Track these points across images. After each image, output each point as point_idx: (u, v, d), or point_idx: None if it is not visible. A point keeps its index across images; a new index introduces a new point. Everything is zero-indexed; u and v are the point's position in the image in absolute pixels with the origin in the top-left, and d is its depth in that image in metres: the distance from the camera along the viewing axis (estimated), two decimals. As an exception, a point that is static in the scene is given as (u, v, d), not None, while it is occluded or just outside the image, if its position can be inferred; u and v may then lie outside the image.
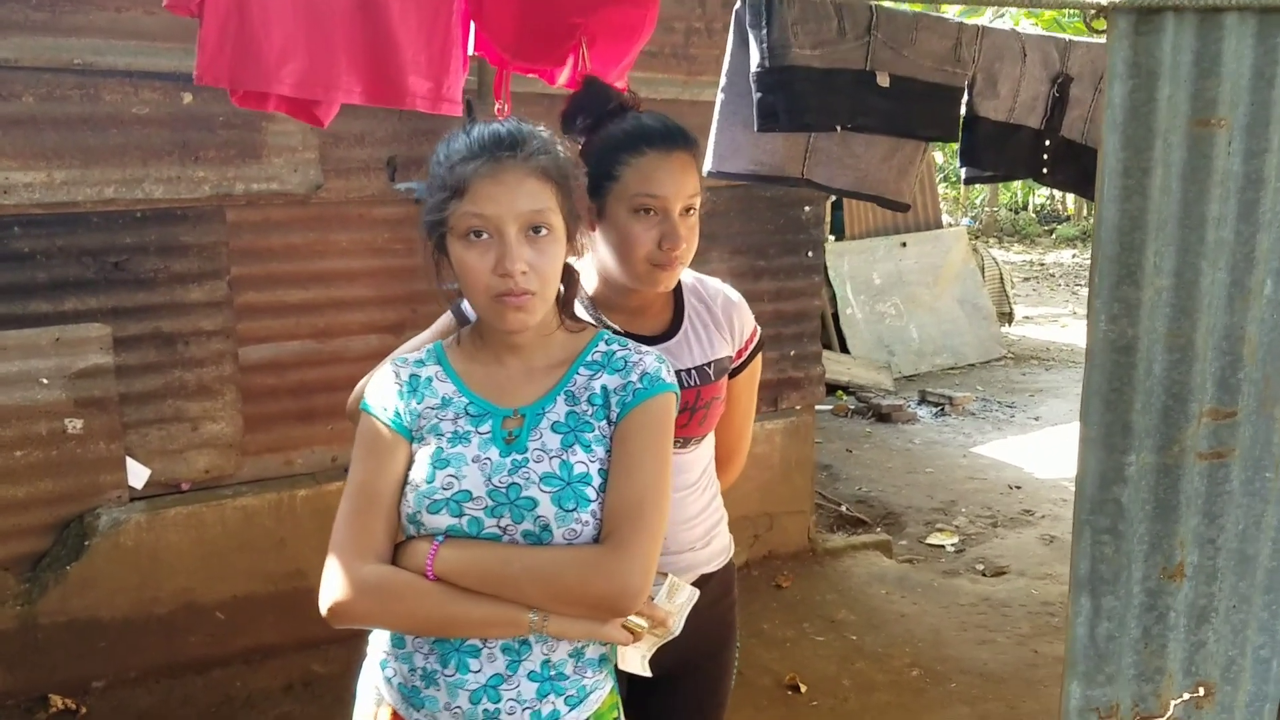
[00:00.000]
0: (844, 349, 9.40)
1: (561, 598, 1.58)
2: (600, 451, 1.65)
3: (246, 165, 3.95)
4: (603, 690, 1.71)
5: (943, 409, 8.49)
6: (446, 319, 1.98)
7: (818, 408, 7.54)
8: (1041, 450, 7.40)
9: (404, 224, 4.20)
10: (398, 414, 1.69)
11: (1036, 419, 8.37)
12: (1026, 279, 16.81)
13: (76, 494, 3.86)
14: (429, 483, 1.63)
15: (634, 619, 1.63)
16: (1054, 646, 4.42)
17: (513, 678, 1.61)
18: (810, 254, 5.25)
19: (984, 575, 5.31)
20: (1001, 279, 11.13)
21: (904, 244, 10.05)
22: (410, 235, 3.86)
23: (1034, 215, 23.09)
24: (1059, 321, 13.02)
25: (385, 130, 4.11)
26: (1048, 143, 2.74)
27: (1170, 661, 1.81)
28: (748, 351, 2.15)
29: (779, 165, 2.60)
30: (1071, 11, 1.66)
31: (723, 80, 2.51)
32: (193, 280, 3.97)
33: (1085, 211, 20.81)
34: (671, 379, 1.70)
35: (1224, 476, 1.78)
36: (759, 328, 2.19)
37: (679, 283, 2.10)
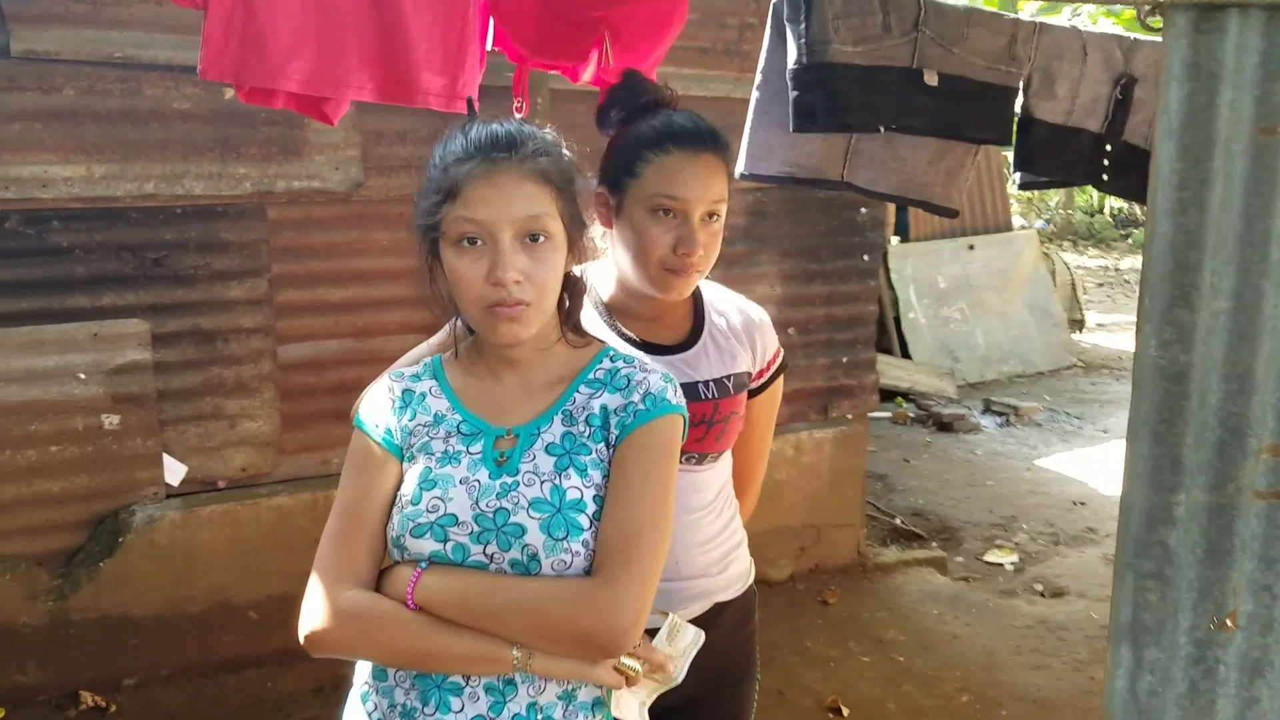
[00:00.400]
0: (905, 354, 9.17)
1: (546, 633, 1.46)
2: (597, 476, 1.53)
3: (288, 162, 3.91)
4: None
5: (1007, 419, 8.24)
6: (449, 329, 1.88)
7: (875, 415, 7.38)
8: (1108, 465, 7.12)
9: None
10: (389, 431, 1.60)
11: (1105, 431, 8.08)
12: (1100, 284, 16.34)
13: (112, 490, 3.84)
14: (414, 504, 1.53)
15: (628, 661, 1.51)
16: (1112, 675, 4.21)
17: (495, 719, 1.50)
18: (866, 257, 5.09)
19: (1042, 596, 5.11)
20: (1073, 284, 10.81)
21: (971, 246, 9.78)
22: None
23: (1110, 218, 22.47)
24: (1133, 330, 12.60)
25: (428, 128, 4.04)
26: (1109, 147, 2.57)
27: None
28: (769, 372, 2.03)
29: (817, 167, 2.46)
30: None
31: (758, 78, 2.38)
32: (233, 277, 3.93)
33: (1165, 216, 20.08)
34: (678, 400, 1.58)
35: (1285, 518, 1.61)
36: (783, 349, 2.06)
37: (700, 294, 1.98)
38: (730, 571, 2.03)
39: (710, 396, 1.90)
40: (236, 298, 3.95)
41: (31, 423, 3.70)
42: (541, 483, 1.52)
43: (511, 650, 1.46)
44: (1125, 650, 1.63)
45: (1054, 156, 2.54)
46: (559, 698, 1.53)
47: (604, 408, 1.57)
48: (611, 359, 1.64)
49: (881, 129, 2.36)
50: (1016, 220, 14.59)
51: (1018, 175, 2.67)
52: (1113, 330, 12.54)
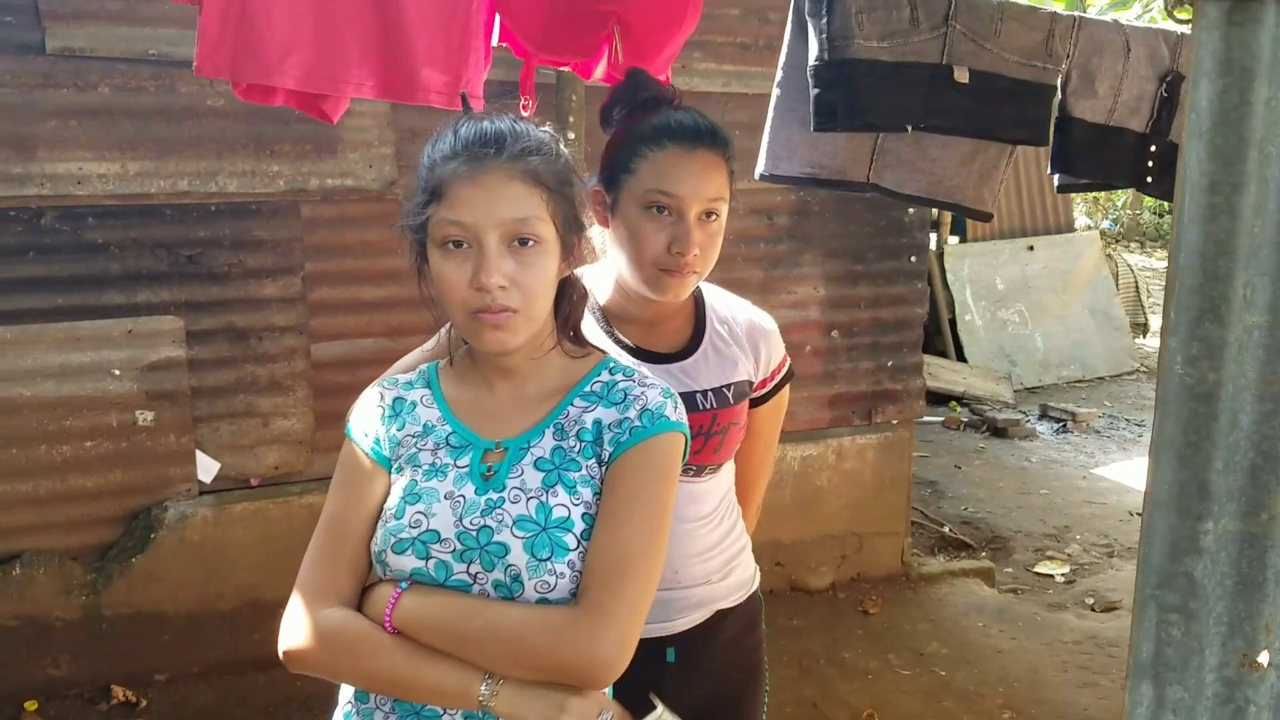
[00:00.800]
0: (960, 357, 8.97)
1: (524, 663, 1.39)
2: (587, 494, 1.45)
3: (321, 160, 3.89)
4: None
5: (1064, 425, 8.02)
6: (440, 336, 1.81)
7: (927, 419, 7.23)
8: (1169, 474, 6.89)
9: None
10: (378, 441, 1.54)
11: (1167, 439, 7.82)
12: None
13: (145, 486, 3.86)
14: (397, 518, 1.47)
15: None
16: (1162, 696, 4.05)
17: None
18: (913, 259, 4.95)
19: (1093, 610, 4.94)
20: (1136, 287, 10.50)
21: (1031, 247, 9.54)
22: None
23: (1182, 219, 21.81)
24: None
25: (462, 125, 4.00)
26: (1153, 148, 2.43)
27: (1252, 764, 1.53)
28: (774, 381, 1.95)
29: (841, 168, 2.36)
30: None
31: (778, 74, 2.29)
32: (266, 275, 3.93)
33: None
34: (679, 417, 1.49)
35: (1325, 549, 1.49)
36: (789, 358, 1.98)
37: (703, 299, 1.90)
38: (732, 579, 1.95)
39: (709, 407, 1.83)
40: (270, 295, 3.94)
41: (66, 418, 3.72)
42: (528, 499, 1.44)
43: (479, 686, 1.39)
44: (1146, 688, 1.53)
45: (1094, 158, 2.41)
46: None
47: (597, 422, 1.49)
48: (611, 371, 1.56)
49: (909, 129, 2.25)
50: (1081, 220, 14.27)
51: (1055, 178, 2.54)
52: (1180, 334, 12.18)
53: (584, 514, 1.44)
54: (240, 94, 1.94)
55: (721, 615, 1.93)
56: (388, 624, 1.42)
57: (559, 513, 1.43)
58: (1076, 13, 2.38)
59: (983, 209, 2.48)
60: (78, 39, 3.50)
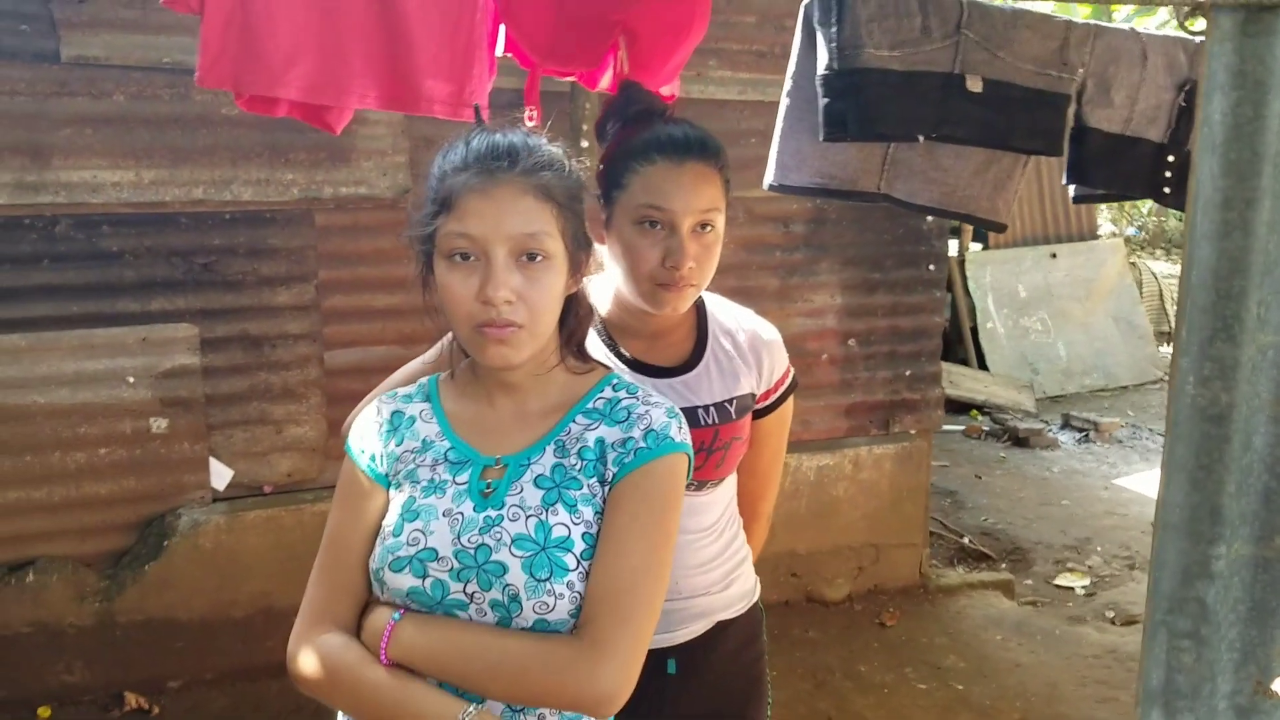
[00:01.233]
0: (982, 365, 8.90)
1: (526, 698, 1.40)
2: (588, 513, 1.43)
3: (335, 168, 3.89)
4: None
5: (1087, 435, 7.93)
6: (441, 347, 1.79)
7: (947, 428, 7.16)
8: (1193, 485, 6.80)
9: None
10: (374, 458, 1.52)
11: (1191, 449, 7.73)
12: (1195, 294, 15.74)
13: (159, 493, 3.86)
14: (395, 536, 1.45)
15: None
16: (1183, 713, 3.98)
17: None
18: (932, 267, 4.91)
19: (1113, 624, 4.87)
20: (1161, 295, 10.40)
21: (1054, 255, 9.46)
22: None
23: (1209, 226, 21.58)
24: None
25: (477, 133, 3.99)
26: (1171, 158, 2.38)
27: (1267, 794, 1.49)
28: (777, 393, 1.92)
29: (851, 178, 2.33)
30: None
31: (787, 84, 2.26)
32: (280, 283, 3.93)
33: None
34: (683, 437, 1.47)
35: (1342, 574, 1.45)
36: (793, 368, 1.95)
37: (705, 311, 1.88)
38: (732, 590, 1.94)
39: (711, 422, 1.80)
40: (284, 303, 3.94)
41: (81, 425, 3.73)
42: (527, 518, 1.42)
43: (458, 712, 1.38)
44: (1157, 715, 1.49)
45: (1110, 168, 2.36)
46: None
47: (600, 441, 1.46)
48: (614, 387, 1.53)
49: (920, 138, 2.22)
50: (1106, 227, 14.15)
51: (1071, 188, 2.50)
52: (1206, 342, 12.06)
53: (584, 533, 1.42)
54: (243, 105, 1.92)
55: (723, 626, 1.91)
56: (384, 657, 1.41)
57: (559, 532, 1.41)
58: (1092, 21, 2.34)
59: (997, 219, 2.44)
60: (92, 47, 3.51)
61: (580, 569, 1.40)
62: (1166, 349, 10.48)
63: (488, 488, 1.46)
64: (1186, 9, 1.36)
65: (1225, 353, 1.42)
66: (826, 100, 2.11)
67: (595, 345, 1.77)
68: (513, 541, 1.40)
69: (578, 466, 1.46)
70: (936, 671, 4.29)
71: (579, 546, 1.41)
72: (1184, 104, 2.38)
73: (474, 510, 1.43)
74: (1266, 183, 1.38)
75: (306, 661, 1.45)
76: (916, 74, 2.16)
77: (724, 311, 1.92)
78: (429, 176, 1.49)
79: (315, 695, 1.47)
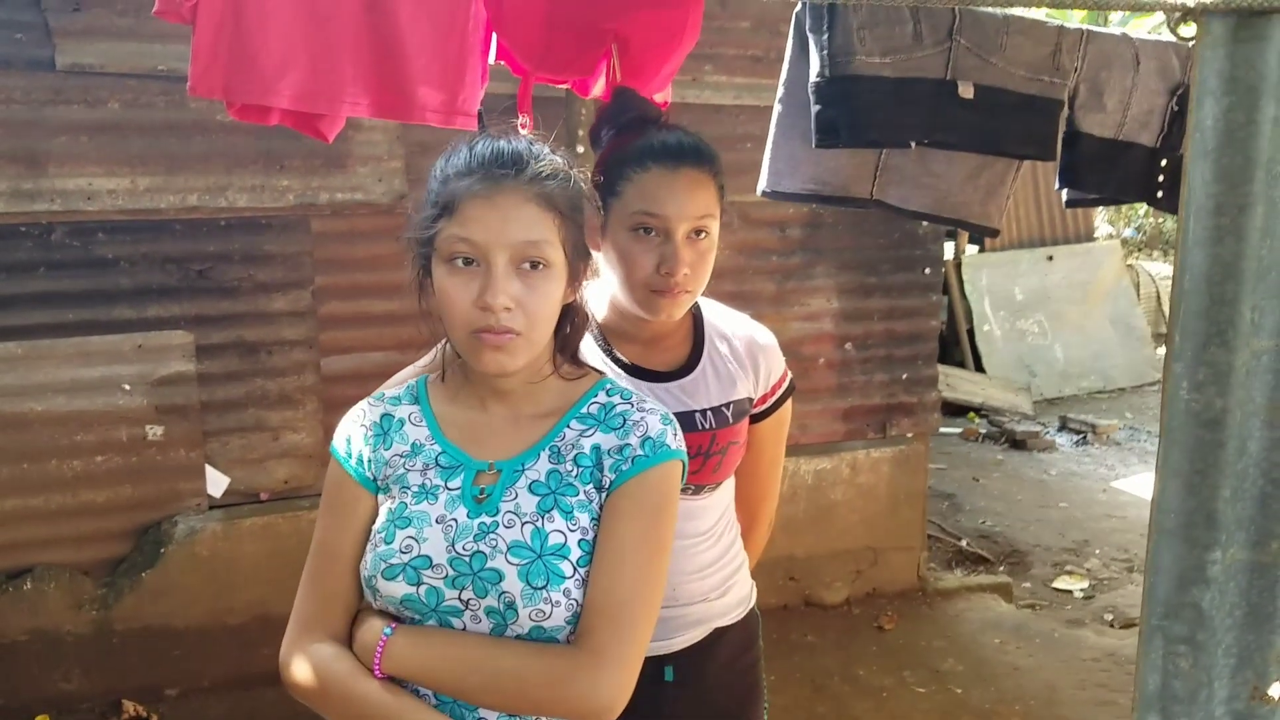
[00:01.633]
0: (979, 368, 8.90)
1: (524, 710, 1.40)
2: (584, 520, 1.42)
3: (331, 174, 3.89)
4: None
5: (1084, 437, 7.93)
6: (436, 351, 1.79)
7: (945, 431, 7.17)
8: (1191, 487, 6.80)
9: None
10: (361, 462, 1.51)
11: (1189, 451, 7.74)
12: (1193, 295, 15.75)
13: (155, 501, 3.86)
14: (387, 543, 1.44)
15: None
16: (1181, 715, 3.98)
17: None
18: (927, 271, 4.91)
19: (1112, 627, 4.87)
20: (1158, 297, 10.40)
21: (1050, 257, 9.47)
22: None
23: (1207, 227, 21.57)
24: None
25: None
26: (1163, 163, 2.38)
27: (1263, 799, 1.49)
28: (774, 397, 1.92)
29: (843, 184, 2.33)
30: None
31: (780, 90, 2.26)
32: (276, 289, 3.93)
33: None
34: (678, 444, 1.47)
35: (1338, 578, 1.45)
36: (790, 373, 1.95)
37: (701, 316, 1.88)
38: (730, 596, 1.93)
39: (708, 427, 1.80)
40: (280, 310, 3.94)
41: (77, 433, 3.73)
42: (522, 524, 1.41)
43: None
44: (1152, 721, 1.49)
45: (1103, 172, 2.36)
46: None
47: (596, 448, 1.46)
48: (608, 393, 1.53)
49: (912, 144, 2.22)
50: (1103, 228, 14.15)
51: (1064, 193, 2.50)
52: (1203, 344, 12.07)
53: (580, 540, 1.41)
54: (235, 114, 1.91)
55: (720, 633, 1.91)
56: (377, 671, 1.41)
57: (555, 539, 1.40)
58: (1084, 26, 2.34)
59: (989, 225, 2.44)
60: (87, 55, 3.51)
61: (577, 576, 1.39)
62: (1164, 351, 10.50)
63: (481, 493, 1.45)
64: (1178, 14, 1.35)
65: (1219, 358, 1.42)
66: (819, 107, 2.11)
67: (592, 350, 1.77)
68: (509, 548, 1.39)
69: (574, 473, 1.45)
70: (935, 675, 4.29)
71: (575, 554, 1.40)
72: (1176, 108, 2.38)
73: (468, 516, 1.43)
74: (1259, 188, 1.38)
75: (299, 670, 1.45)
76: (908, 81, 2.16)
77: (720, 316, 1.92)
78: (430, 179, 1.49)
79: (308, 704, 1.47)
